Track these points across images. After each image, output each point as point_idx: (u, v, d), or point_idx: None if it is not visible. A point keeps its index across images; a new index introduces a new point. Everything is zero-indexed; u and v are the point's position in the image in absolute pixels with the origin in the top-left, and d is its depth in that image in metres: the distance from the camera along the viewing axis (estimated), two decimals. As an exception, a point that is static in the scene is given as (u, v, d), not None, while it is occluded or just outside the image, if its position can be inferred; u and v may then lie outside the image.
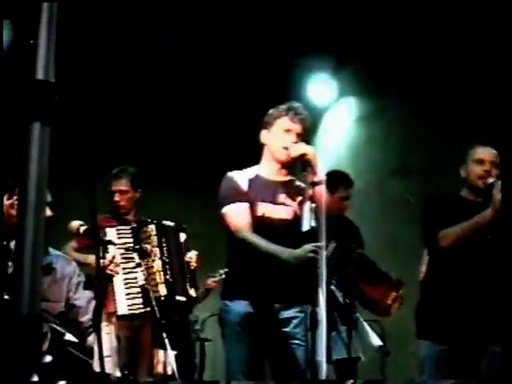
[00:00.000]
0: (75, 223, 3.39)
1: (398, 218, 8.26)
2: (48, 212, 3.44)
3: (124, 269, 4.65)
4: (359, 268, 5.31)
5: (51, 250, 3.66)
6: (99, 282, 3.10)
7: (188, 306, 4.85)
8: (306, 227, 3.73)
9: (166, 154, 9.32)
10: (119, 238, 4.71)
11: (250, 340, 3.78)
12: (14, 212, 3.37)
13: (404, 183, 8.46)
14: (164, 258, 4.63)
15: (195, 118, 9.46)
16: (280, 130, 3.89)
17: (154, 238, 4.65)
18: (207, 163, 8.04)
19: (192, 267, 4.76)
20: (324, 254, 5.09)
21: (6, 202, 3.42)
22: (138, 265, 4.59)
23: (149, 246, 4.60)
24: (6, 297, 2.98)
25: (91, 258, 4.75)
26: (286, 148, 3.83)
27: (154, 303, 4.37)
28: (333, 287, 5.11)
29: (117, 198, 5.10)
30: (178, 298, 4.64)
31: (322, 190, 3.73)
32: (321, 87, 9.68)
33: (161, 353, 4.45)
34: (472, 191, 4.23)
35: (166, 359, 4.29)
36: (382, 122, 9.07)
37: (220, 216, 3.86)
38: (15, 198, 3.44)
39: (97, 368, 2.94)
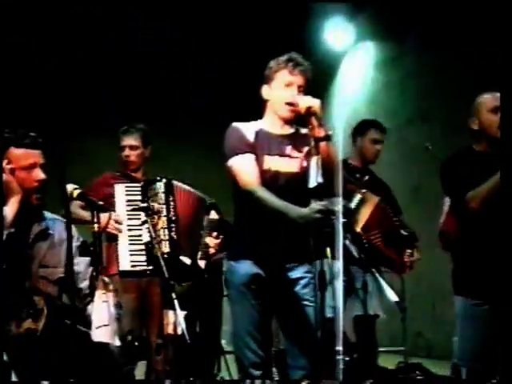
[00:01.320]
0: (69, 187, 3.27)
1: (418, 166, 8.11)
2: (41, 175, 3.34)
3: (129, 226, 4.56)
4: (380, 222, 5.22)
5: (48, 214, 3.53)
6: (95, 247, 3.00)
7: (194, 272, 4.72)
8: (312, 183, 3.58)
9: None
10: (127, 194, 4.62)
11: (256, 301, 3.66)
12: (4, 176, 3.28)
13: (423, 131, 8.30)
14: (170, 216, 4.48)
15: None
16: (281, 85, 3.69)
17: (162, 196, 4.50)
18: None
19: (209, 252, 4.63)
20: (351, 204, 5.07)
21: None
22: (144, 222, 4.48)
23: (156, 204, 4.49)
24: None
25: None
26: (289, 104, 3.66)
27: (162, 262, 4.28)
28: (347, 242, 5.03)
29: (126, 152, 4.96)
30: (183, 258, 4.53)
31: (329, 145, 3.57)
32: (339, 32, 9.50)
33: (170, 313, 4.35)
34: (489, 143, 4.03)
35: (176, 320, 4.18)
36: (400, 68, 8.87)
37: (226, 168, 3.69)
38: (5, 161, 3.33)
39: (95, 337, 2.86)
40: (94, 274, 2.93)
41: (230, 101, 9.20)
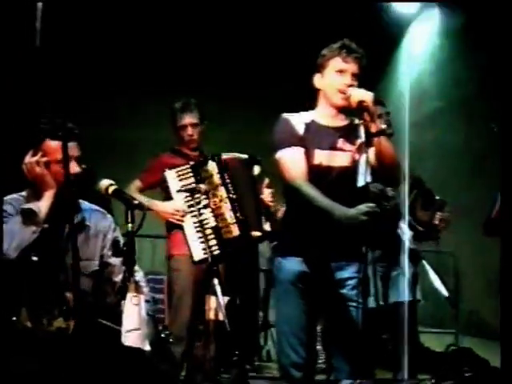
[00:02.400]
0: (104, 182, 3.15)
1: (483, 142, 7.84)
2: (76, 168, 3.26)
3: (191, 212, 4.40)
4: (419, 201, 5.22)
5: (85, 204, 3.46)
6: (129, 248, 2.90)
7: (261, 239, 4.65)
8: (361, 182, 3.46)
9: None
10: (180, 180, 4.43)
11: (302, 301, 3.54)
12: (39, 170, 3.22)
13: (491, 104, 8.01)
14: (231, 196, 4.37)
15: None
16: (333, 72, 3.53)
17: (217, 176, 4.41)
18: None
19: (266, 204, 4.54)
20: (406, 203, 4.95)
21: (32, 160, 3.24)
22: (206, 206, 4.39)
23: (213, 185, 4.39)
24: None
25: (157, 204, 4.63)
26: (342, 91, 3.50)
27: (210, 243, 4.22)
28: (399, 231, 4.93)
29: (190, 131, 4.82)
30: (254, 233, 4.45)
31: (382, 140, 3.41)
32: (406, -3, 9.23)
33: (213, 299, 4.28)
34: None
35: (218, 306, 4.10)
36: (468, 37, 8.54)
37: (275, 161, 3.58)
38: (40, 154, 3.26)
39: (125, 341, 2.78)
40: (127, 275, 2.82)
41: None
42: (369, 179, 3.33)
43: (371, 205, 3.25)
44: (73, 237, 2.93)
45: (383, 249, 5.03)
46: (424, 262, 4.92)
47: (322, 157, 3.52)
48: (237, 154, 4.55)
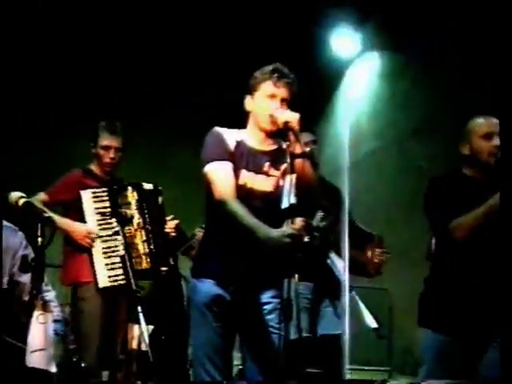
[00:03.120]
0: (15, 195, 3.06)
1: (417, 179, 7.94)
2: None
3: (101, 236, 4.35)
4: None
5: None
6: (37, 264, 2.84)
7: (169, 274, 4.57)
8: (285, 204, 3.44)
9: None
10: (95, 201, 4.37)
11: (217, 324, 3.46)
12: None
13: (426, 144, 8.14)
14: (147, 227, 4.34)
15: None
16: (264, 96, 3.53)
17: (136, 205, 4.36)
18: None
19: (170, 236, 4.48)
20: (320, 223, 4.91)
21: None
22: (117, 232, 4.32)
23: (129, 212, 4.33)
24: None
25: (70, 224, 4.50)
26: (271, 115, 3.50)
27: (130, 274, 4.14)
28: (329, 261, 4.90)
29: (112, 154, 4.64)
30: (162, 268, 4.39)
31: (305, 163, 3.41)
32: (344, 41, 9.32)
33: (135, 328, 4.22)
34: (479, 169, 3.87)
35: (141, 335, 4.04)
36: (405, 79, 8.70)
37: (203, 174, 3.52)
38: None
39: (29, 362, 2.70)
40: (34, 292, 2.76)
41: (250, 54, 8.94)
42: (293, 201, 3.31)
43: (295, 227, 3.23)
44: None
45: (312, 280, 5.03)
46: (353, 293, 4.87)
47: (246, 178, 3.49)
48: (150, 185, 4.50)
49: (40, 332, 2.72)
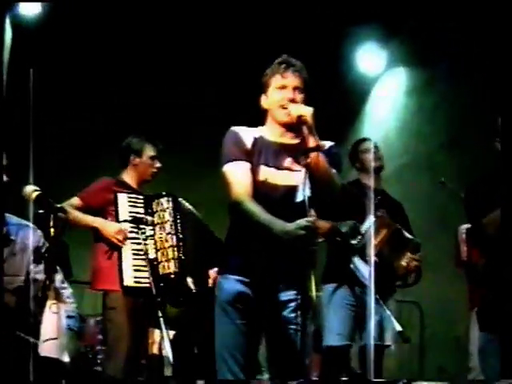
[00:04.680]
0: (29, 188, 3.11)
1: (444, 194, 7.88)
2: (4, 177, 3.19)
3: (132, 239, 4.39)
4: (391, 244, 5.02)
5: (13, 219, 3.37)
6: (50, 255, 2.85)
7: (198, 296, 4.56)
8: (299, 197, 3.42)
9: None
10: (130, 205, 4.45)
11: (240, 322, 3.42)
12: None
13: (454, 157, 8.09)
14: (179, 234, 4.36)
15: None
16: (275, 89, 3.53)
17: (170, 212, 4.37)
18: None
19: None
20: (363, 227, 4.87)
21: None
22: (149, 237, 4.34)
23: (162, 220, 4.35)
24: None
25: (101, 222, 4.57)
26: (284, 106, 3.49)
27: (150, 278, 4.14)
28: (354, 265, 4.85)
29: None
30: (189, 280, 4.38)
31: (319, 157, 3.38)
32: (370, 57, 9.32)
33: (156, 333, 4.20)
34: None
35: (162, 340, 4.01)
36: (431, 94, 8.66)
37: (221, 174, 3.54)
38: None
39: (41, 351, 2.71)
40: (47, 282, 2.76)
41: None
42: (308, 193, 3.30)
43: (310, 219, 3.21)
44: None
45: (337, 282, 4.99)
46: (377, 296, 4.78)
47: (267, 174, 3.47)
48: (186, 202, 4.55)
49: (52, 321, 2.73)
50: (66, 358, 2.78)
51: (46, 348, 2.73)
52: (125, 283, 4.27)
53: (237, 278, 3.47)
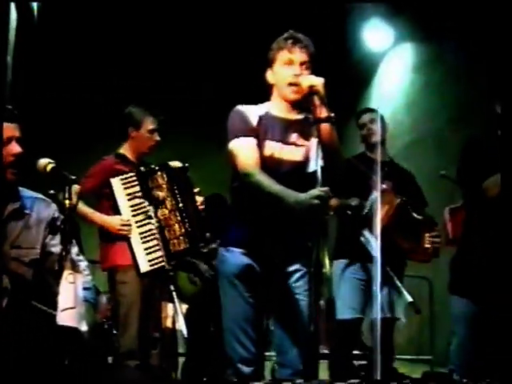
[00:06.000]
0: (43, 161, 3.09)
1: (453, 170, 7.84)
2: (17, 148, 3.16)
3: (136, 222, 4.26)
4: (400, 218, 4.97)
5: (27, 192, 3.35)
6: (65, 226, 2.85)
7: (210, 253, 4.55)
8: (312, 167, 3.41)
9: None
10: (126, 187, 4.24)
11: (248, 294, 3.44)
12: None
13: (463, 132, 8.06)
14: (180, 207, 4.30)
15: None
16: (282, 65, 3.51)
17: (166, 185, 4.32)
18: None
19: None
20: (367, 203, 4.85)
21: None
22: (151, 216, 4.28)
23: (161, 194, 4.29)
24: None
25: (103, 219, 4.54)
26: (292, 83, 3.48)
27: (164, 256, 4.11)
28: (363, 239, 4.84)
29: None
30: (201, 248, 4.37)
31: (331, 127, 3.37)
32: (377, 33, 9.31)
33: (169, 306, 4.18)
34: None
35: (175, 313, 4.00)
36: (439, 69, 8.63)
37: (227, 151, 3.53)
38: None
39: (59, 321, 2.71)
40: (64, 253, 2.76)
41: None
42: (320, 164, 3.28)
43: (323, 188, 3.20)
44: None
45: (348, 257, 4.99)
46: (388, 269, 4.76)
47: (273, 148, 3.47)
48: (177, 163, 4.48)
49: (69, 291, 2.73)
50: (84, 327, 2.77)
51: (64, 317, 2.73)
52: (142, 270, 4.15)
53: (242, 250, 3.48)
